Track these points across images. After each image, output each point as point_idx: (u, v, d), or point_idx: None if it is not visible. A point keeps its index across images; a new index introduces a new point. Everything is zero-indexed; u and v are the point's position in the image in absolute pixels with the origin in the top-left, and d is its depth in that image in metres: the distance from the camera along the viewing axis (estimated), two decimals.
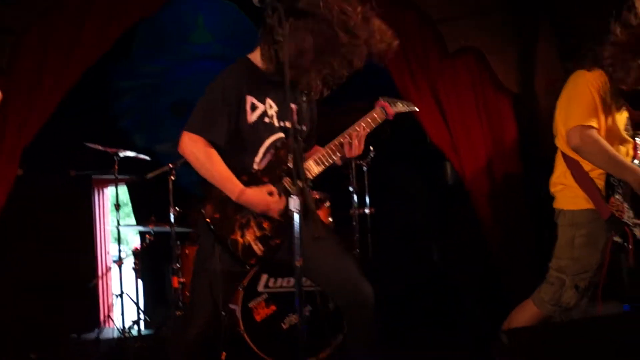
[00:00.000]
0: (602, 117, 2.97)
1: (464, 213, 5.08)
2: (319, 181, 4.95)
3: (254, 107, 2.75)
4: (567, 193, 3.10)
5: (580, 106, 2.95)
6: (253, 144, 2.78)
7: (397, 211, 5.59)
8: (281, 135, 2.81)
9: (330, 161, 2.91)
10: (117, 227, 5.03)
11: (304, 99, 2.88)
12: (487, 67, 4.89)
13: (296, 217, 2.34)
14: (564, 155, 3.10)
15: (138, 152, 5.11)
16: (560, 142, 3.12)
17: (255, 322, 4.17)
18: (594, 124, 2.92)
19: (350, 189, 4.80)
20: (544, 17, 4.93)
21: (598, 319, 3.04)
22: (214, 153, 2.70)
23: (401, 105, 3.13)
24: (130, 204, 6.76)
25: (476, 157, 4.87)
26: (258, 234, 2.75)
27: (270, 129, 2.79)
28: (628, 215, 2.93)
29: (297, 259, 2.34)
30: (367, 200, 4.90)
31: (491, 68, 4.88)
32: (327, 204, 4.60)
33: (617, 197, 2.94)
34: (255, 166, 2.78)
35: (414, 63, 4.86)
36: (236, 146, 2.76)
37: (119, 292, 5.01)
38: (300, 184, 2.35)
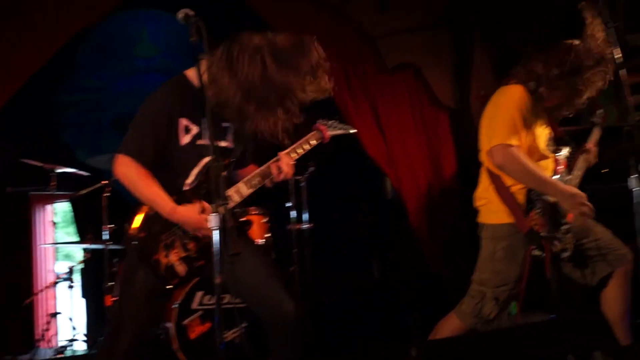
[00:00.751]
0: (523, 134, 3.04)
1: (403, 227, 5.11)
2: (257, 197, 4.95)
3: (187, 130, 2.72)
4: (489, 207, 3.17)
5: (501, 124, 3.01)
6: (185, 167, 2.76)
7: (337, 226, 5.61)
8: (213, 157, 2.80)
9: (260, 184, 2.91)
10: (54, 245, 4.94)
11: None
12: (424, 83, 4.98)
13: (215, 234, 2.35)
14: (488, 171, 3.17)
15: (80, 167, 5.03)
16: (484, 158, 3.18)
17: (190, 340, 4.11)
18: (515, 142, 2.98)
19: (288, 204, 4.80)
20: (478, 34, 5.03)
21: (516, 329, 3.12)
22: (147, 175, 2.67)
23: (339, 128, 3.17)
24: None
25: (413, 172, 4.93)
26: (182, 254, 2.74)
27: (205, 151, 2.75)
28: (547, 229, 3.00)
29: (216, 276, 2.35)
30: (305, 215, 4.90)
31: (428, 84, 4.96)
32: (265, 219, 4.59)
33: (536, 211, 3.01)
34: (186, 188, 2.76)
35: (353, 78, 4.90)
36: (168, 168, 2.74)
37: (56, 312, 4.91)
38: (220, 202, 2.35)
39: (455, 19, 5.05)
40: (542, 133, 3.17)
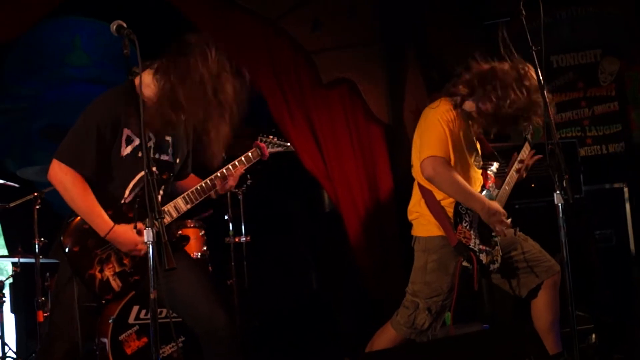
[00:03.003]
0: (452, 149, 3.13)
1: (340, 239, 5.17)
2: (195, 209, 4.92)
3: (129, 141, 2.70)
4: (421, 221, 3.27)
5: (432, 138, 3.11)
6: (123, 178, 2.74)
7: (275, 238, 5.63)
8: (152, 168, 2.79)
9: (200, 198, 2.93)
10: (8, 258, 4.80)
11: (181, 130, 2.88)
12: (359, 98, 5.06)
13: (150, 248, 2.36)
14: (419, 185, 3.27)
15: (9, 178, 4.89)
16: (416, 173, 3.29)
17: (126, 355, 4.05)
18: (445, 155, 3.08)
19: (226, 217, 4.79)
20: (412, 50, 5.17)
21: (450, 339, 3.22)
22: (84, 186, 2.64)
23: (277, 145, 3.26)
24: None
25: (349, 185, 5.00)
26: (117, 269, 2.73)
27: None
28: (474, 242, 3.11)
29: (151, 290, 2.35)
30: (243, 228, 4.90)
31: (363, 99, 5.05)
32: (202, 232, 4.58)
33: (464, 224, 3.12)
34: (123, 200, 2.74)
35: (289, 93, 4.93)
36: (106, 178, 2.71)
37: None
38: (154, 216, 2.36)
39: (389, 37, 5.16)
40: (471, 148, 3.27)
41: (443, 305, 3.20)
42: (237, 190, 4.81)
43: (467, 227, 3.12)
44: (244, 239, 4.87)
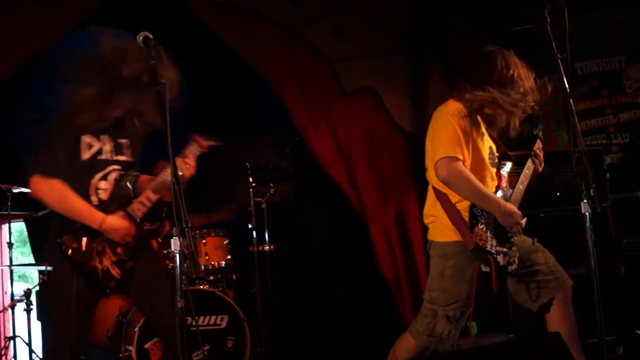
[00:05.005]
0: (466, 148, 3.07)
1: (364, 247, 5.17)
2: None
3: (90, 146, 2.93)
4: (437, 225, 3.21)
5: (444, 139, 3.05)
6: (87, 178, 2.93)
7: (298, 247, 5.63)
8: (115, 167, 2.99)
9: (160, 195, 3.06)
10: (9, 267, 4.85)
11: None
12: (382, 106, 5.06)
13: (177, 258, 2.40)
14: (434, 188, 3.21)
15: None
16: (430, 176, 3.23)
17: None
18: (459, 155, 3.02)
19: (250, 226, 4.81)
20: (435, 58, 5.16)
21: (475, 350, 3.18)
22: (64, 188, 2.84)
23: (214, 141, 3.31)
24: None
25: (373, 194, 5.00)
26: (114, 258, 2.94)
27: (103, 165, 2.96)
28: (491, 244, 3.04)
29: (178, 299, 2.38)
30: (267, 237, 4.91)
31: (386, 107, 5.04)
32: (226, 241, 4.60)
33: (480, 226, 3.04)
34: (93, 197, 2.92)
35: (312, 101, 4.95)
36: (72, 180, 2.89)
37: (12, 335, 4.80)
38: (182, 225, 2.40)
39: (412, 45, 5.16)
40: (484, 146, 3.21)
41: (462, 311, 3.15)
42: (260, 199, 4.83)
43: (484, 229, 3.05)
44: (268, 247, 4.89)
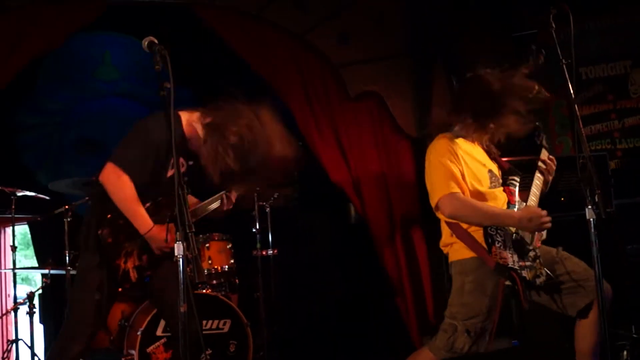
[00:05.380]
0: (461, 179, 3.10)
1: (368, 252, 5.16)
2: (222, 222, 4.95)
3: (173, 165, 2.88)
4: (455, 247, 3.22)
5: (438, 179, 3.11)
6: (157, 196, 3.03)
7: (302, 252, 5.63)
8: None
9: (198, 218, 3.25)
10: (12, 270, 4.85)
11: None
12: (387, 111, 5.07)
13: (180, 262, 2.39)
14: (445, 222, 3.23)
15: (40, 190, 4.97)
16: (438, 213, 3.22)
17: None
18: (456, 189, 3.05)
19: (254, 230, 4.81)
20: (439, 63, 5.16)
21: (479, 356, 3.16)
22: (133, 190, 2.90)
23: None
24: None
25: (377, 198, 5.00)
26: (137, 263, 3.02)
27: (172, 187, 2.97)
28: (512, 261, 3.02)
29: (181, 304, 2.38)
30: (270, 241, 4.91)
31: (391, 112, 5.05)
32: (229, 245, 4.60)
33: (497, 245, 3.03)
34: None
35: (317, 106, 4.97)
36: (151, 193, 2.99)
37: (15, 338, 4.80)
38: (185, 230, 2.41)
39: (416, 50, 5.16)
40: (480, 170, 3.21)
41: (483, 327, 3.11)
42: (264, 202, 4.83)
43: (501, 247, 3.03)
44: (271, 251, 4.88)
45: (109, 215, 2.97)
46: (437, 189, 3.11)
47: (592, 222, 2.69)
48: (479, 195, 3.14)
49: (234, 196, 3.26)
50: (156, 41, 2.57)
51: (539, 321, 3.40)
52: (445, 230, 3.28)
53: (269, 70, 4.89)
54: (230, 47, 4.85)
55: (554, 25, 2.86)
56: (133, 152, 2.95)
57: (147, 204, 2.98)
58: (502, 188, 3.27)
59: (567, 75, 2.83)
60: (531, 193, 3.29)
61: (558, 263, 3.18)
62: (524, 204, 3.25)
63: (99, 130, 6.02)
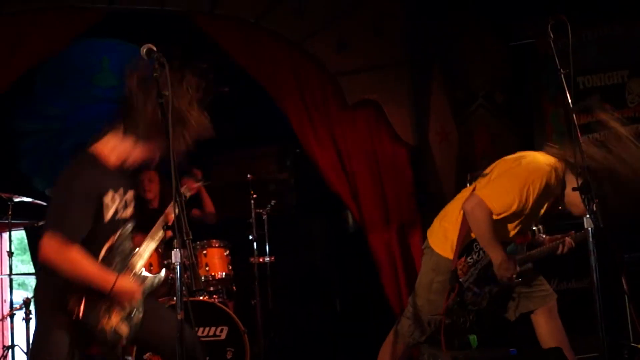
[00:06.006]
0: (509, 210, 3.06)
1: (365, 261, 5.16)
2: (220, 229, 4.95)
3: (108, 207, 2.70)
4: (442, 233, 3.29)
5: (499, 189, 3.09)
6: (103, 242, 2.71)
7: (299, 259, 5.63)
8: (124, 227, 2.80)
9: (157, 242, 2.96)
10: (9, 276, 4.84)
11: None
12: (384, 119, 5.08)
13: (178, 270, 2.39)
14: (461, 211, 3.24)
15: (37, 195, 4.96)
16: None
17: None
18: (494, 209, 3.05)
19: (251, 237, 4.81)
20: (437, 71, 5.17)
21: None
22: (80, 254, 2.57)
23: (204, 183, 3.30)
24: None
25: (374, 206, 5.01)
26: (122, 314, 2.71)
27: (118, 224, 2.76)
28: (467, 279, 3.18)
29: (178, 312, 2.37)
30: (267, 248, 4.91)
31: (389, 120, 5.06)
32: (227, 252, 4.60)
33: (468, 259, 3.19)
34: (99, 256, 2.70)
35: (315, 113, 4.98)
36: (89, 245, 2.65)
37: (11, 344, 4.79)
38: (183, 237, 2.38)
39: (414, 58, 5.18)
40: (535, 211, 3.18)
41: (441, 320, 3.27)
42: (261, 210, 4.83)
43: (470, 264, 3.18)
44: (268, 259, 4.88)
45: (66, 287, 2.59)
46: (486, 190, 3.10)
47: (590, 231, 2.69)
48: (505, 226, 3.18)
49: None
50: (155, 48, 2.57)
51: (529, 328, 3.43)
52: (457, 204, 3.25)
53: (267, 77, 4.90)
54: (229, 54, 4.86)
55: (552, 35, 2.86)
56: (68, 212, 2.58)
57: (102, 254, 2.68)
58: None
59: (565, 85, 2.83)
60: (532, 253, 3.30)
61: None
62: (524, 250, 3.29)
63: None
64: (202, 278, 4.42)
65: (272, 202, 4.84)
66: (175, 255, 2.39)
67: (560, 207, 3.28)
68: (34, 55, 4.59)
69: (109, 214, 2.69)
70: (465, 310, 3.29)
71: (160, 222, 2.96)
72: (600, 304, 2.71)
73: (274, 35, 4.92)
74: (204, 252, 4.53)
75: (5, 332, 6.10)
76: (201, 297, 4.35)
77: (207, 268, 4.51)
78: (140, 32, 4.95)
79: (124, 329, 2.72)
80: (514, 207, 3.06)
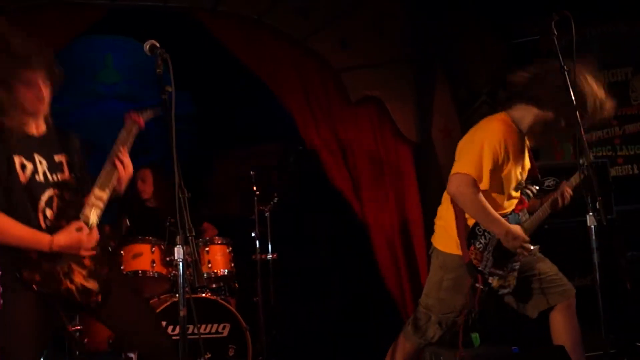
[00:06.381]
0: (490, 172, 3.03)
1: (367, 258, 5.16)
2: (222, 226, 4.95)
3: (23, 167, 2.66)
4: (443, 233, 3.26)
5: (469, 155, 3.07)
6: (26, 205, 2.66)
7: (301, 256, 5.62)
8: (55, 190, 2.74)
9: (113, 185, 2.82)
10: None
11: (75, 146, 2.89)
12: (387, 116, 5.07)
13: (181, 266, 2.39)
14: (451, 199, 3.21)
15: None
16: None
17: None
18: (475, 174, 3.01)
19: (253, 234, 4.80)
20: (440, 68, 5.16)
21: None
22: (3, 219, 2.56)
23: (150, 111, 3.02)
24: None
25: (377, 202, 5.01)
26: (84, 272, 2.70)
27: (43, 186, 2.71)
28: (485, 265, 3.11)
29: (180, 308, 2.38)
30: (270, 245, 4.91)
31: (392, 117, 5.05)
32: (229, 249, 4.59)
33: (477, 245, 3.11)
34: (42, 223, 2.67)
35: (317, 110, 4.97)
36: (14, 207, 2.62)
37: None
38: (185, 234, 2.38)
39: (417, 55, 5.17)
40: (515, 172, 3.18)
41: (454, 321, 3.25)
42: (263, 207, 4.82)
43: (480, 249, 3.10)
44: (271, 256, 4.87)
45: (14, 253, 2.59)
46: (459, 163, 3.09)
47: (593, 229, 2.69)
48: (497, 191, 3.13)
49: (124, 152, 2.84)
50: (158, 44, 2.58)
51: (540, 327, 3.41)
52: (446, 200, 3.24)
53: (270, 74, 4.90)
54: (231, 51, 4.86)
55: (555, 32, 2.85)
56: None
57: (42, 223, 2.64)
58: (517, 194, 3.27)
59: (568, 82, 2.82)
60: (539, 210, 3.28)
61: (532, 263, 3.24)
62: (527, 216, 3.27)
63: (100, 133, 6.02)
64: (205, 275, 4.41)
65: (275, 199, 4.83)
66: (178, 252, 2.40)
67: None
68: None
69: (26, 175, 2.64)
70: (496, 296, 3.22)
71: (108, 165, 2.82)
72: (601, 302, 2.71)
73: (277, 32, 4.91)
74: (207, 249, 4.52)
75: None
76: (203, 294, 4.34)
77: (209, 265, 4.50)
78: (143, 29, 4.95)
79: (92, 284, 2.70)
80: (492, 164, 3.00)
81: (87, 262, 2.72)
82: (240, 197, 5.48)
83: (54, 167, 2.77)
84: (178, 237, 2.40)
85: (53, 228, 2.67)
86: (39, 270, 2.60)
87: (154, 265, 4.27)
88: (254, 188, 4.85)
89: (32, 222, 2.65)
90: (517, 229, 3.10)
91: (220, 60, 5.31)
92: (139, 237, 4.32)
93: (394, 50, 5.15)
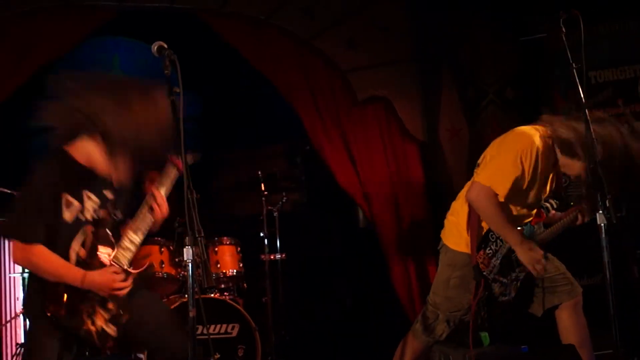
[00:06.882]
0: (512, 186, 3.01)
1: (376, 257, 5.15)
2: (231, 226, 4.94)
3: (68, 205, 2.69)
4: (453, 230, 3.26)
5: (495, 168, 3.06)
6: (65, 241, 2.70)
7: (310, 256, 5.62)
8: (92, 227, 2.76)
9: (147, 228, 2.89)
10: (21, 274, 4.87)
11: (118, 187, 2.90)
12: (395, 116, 5.07)
13: (190, 266, 2.40)
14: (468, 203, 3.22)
15: None
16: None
17: None
18: (497, 189, 3.01)
19: (262, 234, 4.81)
20: (447, 67, 5.15)
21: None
22: (42, 250, 2.61)
23: (190, 156, 2.98)
24: None
25: (385, 202, 5.01)
26: (107, 316, 2.73)
27: (84, 224, 2.74)
28: (490, 271, 3.14)
29: (190, 309, 2.38)
30: (278, 245, 4.91)
31: (399, 117, 5.05)
32: (238, 249, 4.60)
33: (487, 251, 3.14)
34: (72, 257, 2.69)
35: (324, 110, 4.98)
36: (53, 241, 2.66)
37: (23, 342, 4.82)
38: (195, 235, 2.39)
39: (424, 54, 5.17)
40: (538, 188, 3.15)
41: (461, 319, 3.27)
42: (272, 207, 4.83)
43: (490, 255, 3.14)
44: (279, 256, 4.88)
45: (40, 287, 2.64)
46: (484, 173, 3.07)
47: (603, 227, 2.67)
48: (516, 205, 3.14)
49: (160, 195, 2.89)
50: (165, 46, 2.58)
51: (549, 326, 3.40)
52: (462, 209, 3.22)
53: (277, 74, 4.91)
54: (238, 52, 4.87)
55: (564, 30, 2.84)
56: (24, 215, 2.62)
57: (73, 257, 2.67)
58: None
59: (577, 80, 2.81)
60: (550, 229, 3.28)
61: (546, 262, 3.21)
62: (542, 228, 3.29)
63: None
64: (213, 275, 4.42)
65: (283, 199, 4.84)
66: (187, 253, 2.40)
67: (565, 182, 3.23)
68: (45, 54, 4.61)
69: (71, 213, 2.68)
70: (495, 303, 3.24)
71: (144, 209, 2.87)
72: (613, 300, 2.70)
73: (283, 32, 4.92)
74: (215, 249, 4.53)
75: (17, 330, 6.13)
76: (212, 295, 4.35)
77: (218, 265, 4.51)
78: (150, 30, 4.96)
79: (111, 330, 2.74)
80: (513, 181, 2.99)
81: (110, 305, 2.75)
82: (248, 197, 5.48)
83: (101, 203, 2.80)
84: (187, 238, 2.40)
85: (84, 264, 2.70)
86: (65, 305, 2.63)
87: (163, 266, 4.28)
88: (262, 188, 4.86)
89: (65, 256, 2.67)
90: (529, 243, 3.10)
91: (227, 60, 5.31)
92: (148, 238, 4.33)
93: (400, 50, 5.16)
